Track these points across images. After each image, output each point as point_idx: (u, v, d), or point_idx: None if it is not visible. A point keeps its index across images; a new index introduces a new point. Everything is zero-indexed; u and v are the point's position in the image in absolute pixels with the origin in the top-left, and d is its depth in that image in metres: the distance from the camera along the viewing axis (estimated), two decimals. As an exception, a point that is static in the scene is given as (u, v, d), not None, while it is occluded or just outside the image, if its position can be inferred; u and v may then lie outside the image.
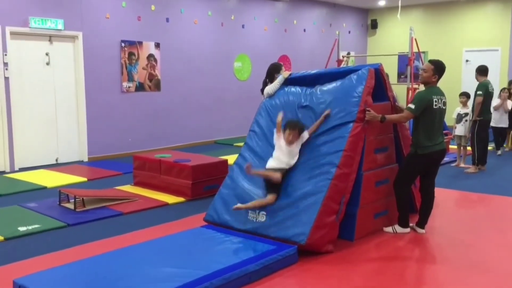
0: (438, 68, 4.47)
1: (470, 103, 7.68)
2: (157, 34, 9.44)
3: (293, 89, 4.93)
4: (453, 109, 7.83)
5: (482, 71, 7.42)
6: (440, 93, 4.48)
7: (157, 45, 9.44)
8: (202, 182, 6.03)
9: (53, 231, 4.80)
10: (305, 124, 4.51)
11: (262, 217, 4.21)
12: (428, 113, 4.37)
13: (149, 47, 9.32)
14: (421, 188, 4.63)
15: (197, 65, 10.22)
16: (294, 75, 5.09)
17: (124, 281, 3.31)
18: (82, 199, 5.53)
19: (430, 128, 4.40)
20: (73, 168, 7.86)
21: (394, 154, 4.84)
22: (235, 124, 10.83)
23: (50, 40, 8.13)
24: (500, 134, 8.98)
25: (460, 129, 7.76)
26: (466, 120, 7.67)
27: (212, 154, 7.89)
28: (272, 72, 5.30)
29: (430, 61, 4.59)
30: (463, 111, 7.74)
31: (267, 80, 5.30)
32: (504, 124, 8.76)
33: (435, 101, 4.38)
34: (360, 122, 4.33)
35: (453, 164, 7.96)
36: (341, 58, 10.27)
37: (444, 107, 4.49)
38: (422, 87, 4.73)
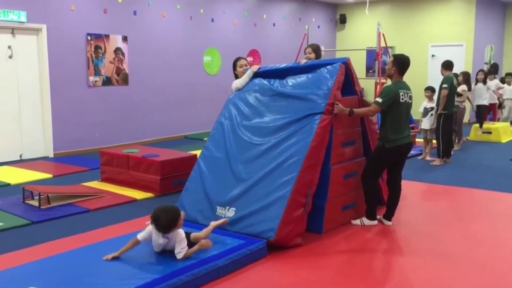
0: (397, 60, 4.56)
1: (435, 97, 7.85)
2: (124, 27, 9.28)
3: (262, 81, 4.94)
4: (419, 103, 7.99)
5: (447, 65, 7.60)
6: (407, 87, 4.57)
7: (125, 39, 9.28)
8: (171, 178, 5.97)
9: (17, 229, 4.67)
10: (274, 115, 4.51)
11: (231, 213, 4.20)
12: (395, 107, 4.44)
13: (116, 41, 9.15)
14: (388, 181, 4.70)
15: (166, 59, 10.10)
16: (263, 69, 5.10)
17: (91, 278, 3.25)
18: (47, 196, 5.40)
19: (397, 122, 4.47)
20: (37, 164, 7.67)
21: (362, 148, 4.90)
22: (205, 118, 10.76)
23: (12, 33, 7.89)
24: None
25: (426, 123, 7.89)
26: (431, 114, 7.80)
27: (182, 149, 7.83)
28: (233, 68, 5.32)
29: (393, 55, 4.73)
30: (429, 105, 7.87)
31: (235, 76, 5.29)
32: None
33: (402, 95, 4.45)
34: (328, 115, 4.37)
35: (419, 157, 8.11)
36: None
37: (410, 101, 4.57)
38: (390, 82, 4.80)
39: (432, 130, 7.85)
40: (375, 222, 4.63)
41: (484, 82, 9.64)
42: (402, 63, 4.57)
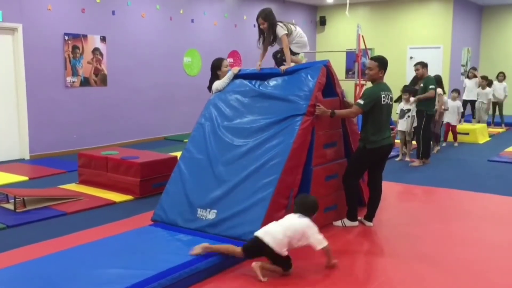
0: (382, 63, 4.58)
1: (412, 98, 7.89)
2: (102, 27, 9.15)
3: (243, 82, 4.91)
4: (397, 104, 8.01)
5: (426, 65, 7.70)
6: (387, 89, 4.59)
7: (103, 39, 9.15)
8: (151, 180, 5.90)
9: (-9, 233, 4.55)
10: (256, 116, 4.51)
11: (212, 215, 4.15)
12: (376, 109, 4.45)
13: (94, 41, 9.01)
14: (369, 182, 4.71)
15: (145, 59, 9.99)
16: (243, 71, 5.07)
17: (69, 283, 3.17)
18: (23, 199, 5.28)
19: (378, 123, 4.49)
20: (13, 166, 7.50)
21: (343, 149, 4.90)
22: (185, 120, 10.68)
23: (-14, 32, 7.72)
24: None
25: (403, 125, 7.87)
26: (408, 116, 7.80)
27: (162, 151, 7.74)
28: (214, 70, 5.17)
29: (373, 58, 4.69)
30: (406, 107, 7.85)
31: (212, 77, 5.18)
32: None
33: (383, 97, 4.47)
34: (309, 116, 4.36)
35: (397, 159, 8.13)
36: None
37: (391, 103, 4.60)
38: (370, 84, 4.80)
39: (409, 132, 7.88)
40: (356, 223, 4.64)
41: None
42: (385, 65, 4.60)
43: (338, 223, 4.64)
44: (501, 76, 11.99)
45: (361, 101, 4.47)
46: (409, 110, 7.79)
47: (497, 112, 11.94)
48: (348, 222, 4.62)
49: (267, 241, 3.46)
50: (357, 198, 4.72)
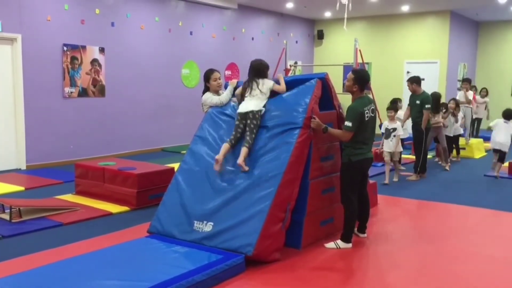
0: (359, 78, 4.48)
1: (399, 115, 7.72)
2: (101, 39, 9.19)
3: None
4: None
5: (420, 81, 7.64)
6: (369, 102, 4.51)
7: (102, 50, 9.19)
8: (148, 191, 5.89)
9: (-14, 243, 4.53)
10: (261, 129, 4.54)
11: (208, 227, 4.14)
12: (361, 125, 4.40)
13: (93, 52, 9.05)
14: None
15: (144, 71, 10.03)
16: (241, 83, 5.08)
17: (63, 296, 3.15)
18: (19, 209, 5.26)
19: (363, 138, 4.45)
20: (9, 176, 7.47)
21: (340, 163, 4.91)
22: (182, 131, 10.70)
23: (-14, 42, 7.75)
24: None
25: (389, 145, 7.26)
26: (394, 136, 7.20)
27: (159, 162, 7.74)
28: (204, 80, 5.14)
29: (353, 71, 4.60)
30: (391, 126, 7.29)
31: (204, 88, 5.16)
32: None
33: (366, 113, 4.42)
34: (306, 129, 4.37)
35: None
36: (288, 67, 10.39)
37: (373, 115, 4.53)
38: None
39: (395, 153, 7.30)
40: (350, 245, 4.48)
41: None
42: (362, 79, 4.51)
43: (331, 245, 4.45)
44: (484, 92, 12.18)
45: (348, 123, 4.37)
46: (394, 129, 7.22)
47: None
48: (342, 244, 4.46)
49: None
50: (355, 221, 4.58)
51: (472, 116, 11.02)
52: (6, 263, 3.96)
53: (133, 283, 3.30)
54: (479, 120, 12.10)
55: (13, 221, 5.11)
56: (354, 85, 4.48)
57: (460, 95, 10.65)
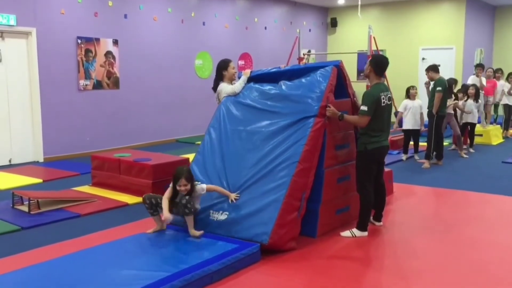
0: (373, 61, 4.51)
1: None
2: (115, 31, 9.22)
3: (255, 85, 4.91)
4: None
5: (436, 68, 7.61)
6: (386, 89, 4.50)
7: (115, 42, 9.22)
8: (163, 182, 5.88)
9: (6, 235, 4.60)
10: (267, 119, 4.48)
11: (223, 216, 4.16)
12: (377, 111, 4.36)
13: (107, 44, 9.09)
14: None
15: (157, 62, 10.05)
16: (255, 73, 5.07)
17: (83, 285, 3.20)
18: (37, 201, 5.33)
19: (380, 125, 4.42)
20: (27, 169, 7.58)
21: (355, 151, 4.87)
22: (196, 122, 10.72)
23: (1, 36, 7.80)
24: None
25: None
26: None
27: (173, 153, 7.78)
28: (220, 70, 5.15)
29: (371, 56, 4.62)
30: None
31: (217, 78, 5.17)
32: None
33: (383, 98, 4.39)
34: (321, 118, 4.35)
35: (403, 158, 8.22)
36: (302, 56, 10.32)
37: (390, 103, 4.51)
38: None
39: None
40: (366, 233, 4.47)
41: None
42: (379, 63, 4.50)
43: (346, 233, 4.45)
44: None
45: (364, 108, 4.34)
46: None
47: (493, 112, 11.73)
48: (358, 233, 4.44)
49: None
50: (371, 210, 4.58)
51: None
52: (26, 254, 4.02)
53: (150, 273, 3.33)
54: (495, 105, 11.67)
55: (31, 212, 5.19)
56: (369, 66, 4.49)
57: (472, 80, 10.30)
